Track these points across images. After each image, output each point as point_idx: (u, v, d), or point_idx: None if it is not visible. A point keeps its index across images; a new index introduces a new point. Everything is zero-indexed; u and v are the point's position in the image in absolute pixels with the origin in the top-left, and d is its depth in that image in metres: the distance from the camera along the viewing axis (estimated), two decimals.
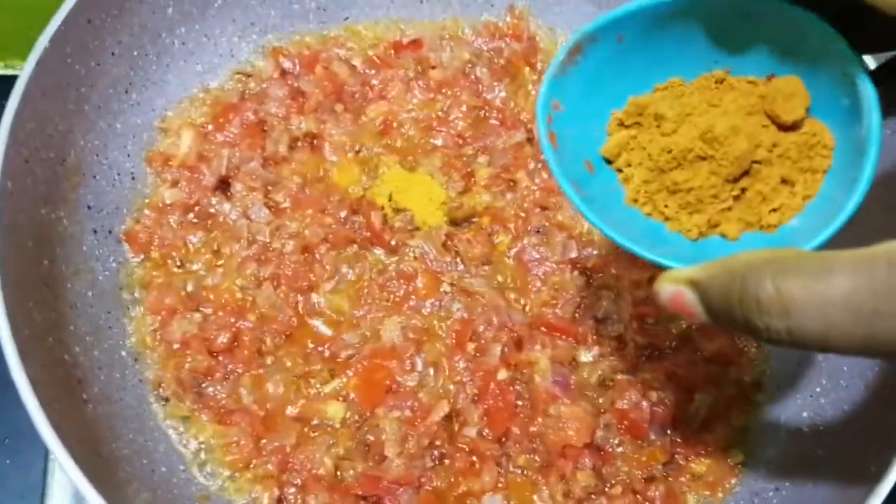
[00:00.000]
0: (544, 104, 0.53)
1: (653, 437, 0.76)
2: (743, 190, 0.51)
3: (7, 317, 0.61)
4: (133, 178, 0.82)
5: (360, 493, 0.72)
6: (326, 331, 0.78)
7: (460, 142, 0.86)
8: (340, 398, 0.76)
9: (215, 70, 0.88)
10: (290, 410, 0.75)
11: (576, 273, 0.82)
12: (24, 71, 0.69)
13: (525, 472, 0.75)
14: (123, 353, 0.76)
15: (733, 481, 0.76)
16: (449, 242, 0.82)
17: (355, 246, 0.81)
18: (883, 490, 0.61)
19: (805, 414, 0.76)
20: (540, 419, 0.75)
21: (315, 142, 0.85)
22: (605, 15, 0.52)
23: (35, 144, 0.71)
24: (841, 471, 0.69)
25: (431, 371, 0.77)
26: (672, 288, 0.44)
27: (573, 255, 0.82)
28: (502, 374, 0.76)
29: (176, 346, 0.77)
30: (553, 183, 0.85)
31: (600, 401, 0.77)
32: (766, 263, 0.39)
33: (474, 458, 0.75)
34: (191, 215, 0.82)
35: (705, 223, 0.51)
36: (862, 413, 0.71)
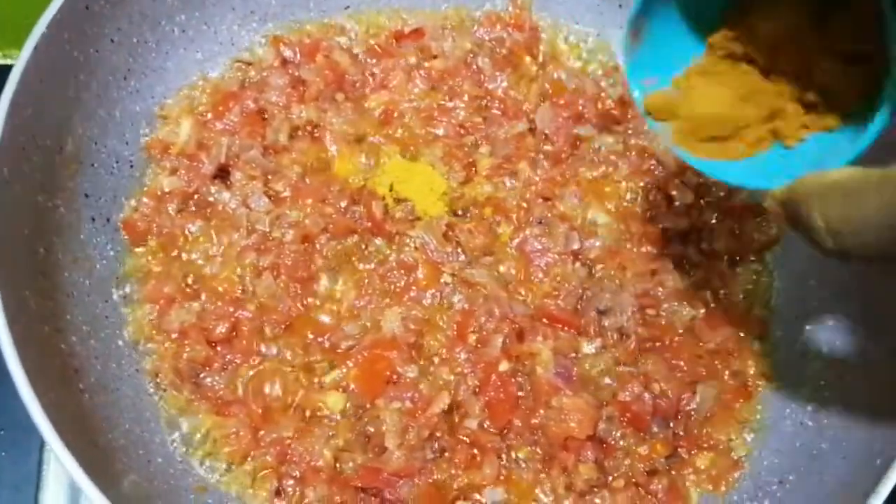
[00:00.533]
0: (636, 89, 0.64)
1: (655, 429, 0.75)
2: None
3: (3, 306, 0.61)
4: (131, 166, 0.81)
5: (359, 485, 0.71)
6: (326, 321, 0.78)
7: (462, 132, 0.86)
8: (340, 389, 0.75)
9: (215, 58, 0.87)
10: (290, 401, 0.74)
11: (578, 264, 0.81)
12: (22, 57, 0.68)
13: (526, 464, 0.74)
14: (120, 343, 0.75)
15: (737, 475, 0.75)
16: (450, 233, 0.81)
17: (356, 236, 0.80)
18: (888, 483, 0.60)
19: (809, 407, 0.76)
20: (542, 411, 0.75)
21: (315, 131, 0.85)
22: None
23: (32, 132, 0.70)
24: (846, 464, 0.69)
25: (433, 362, 0.76)
26: (770, 202, 0.55)
27: (575, 246, 0.81)
28: (504, 366, 0.76)
29: (174, 335, 0.76)
30: (555, 173, 0.85)
31: (602, 393, 0.76)
32: (815, 197, 0.50)
33: (475, 451, 0.74)
34: (190, 204, 0.81)
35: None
36: (866, 406, 0.70)
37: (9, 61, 0.96)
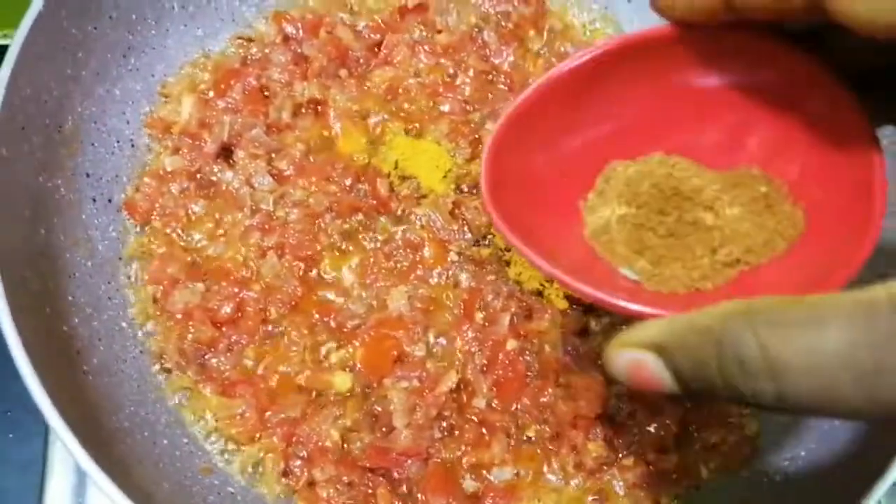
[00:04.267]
0: None
1: (665, 407, 0.74)
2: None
3: (3, 287, 0.60)
4: (133, 146, 0.80)
5: (367, 465, 0.71)
6: (332, 300, 0.77)
7: (468, 108, 0.84)
8: (347, 368, 0.74)
9: (216, 34, 0.86)
10: (296, 381, 0.74)
11: None
12: (19, 34, 0.67)
13: (535, 442, 0.73)
14: (124, 324, 0.75)
15: (748, 451, 0.74)
16: (456, 210, 0.80)
17: (361, 214, 0.79)
18: None
19: None
20: (550, 389, 0.74)
21: (319, 108, 0.83)
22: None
23: (31, 111, 0.69)
24: (860, 439, 0.68)
25: (441, 341, 0.75)
26: (629, 356, 0.36)
27: None
28: (511, 344, 0.75)
29: (178, 316, 0.75)
30: None
31: None
32: (745, 316, 0.33)
33: (483, 430, 0.73)
34: (192, 183, 0.80)
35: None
36: None
37: (6, 41, 0.94)
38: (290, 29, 0.86)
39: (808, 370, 0.31)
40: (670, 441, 0.74)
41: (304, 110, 0.83)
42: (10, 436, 0.81)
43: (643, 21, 0.90)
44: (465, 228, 0.79)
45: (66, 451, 0.77)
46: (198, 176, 0.80)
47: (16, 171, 0.67)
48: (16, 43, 0.67)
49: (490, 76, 0.86)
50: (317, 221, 0.78)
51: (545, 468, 0.73)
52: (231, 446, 0.72)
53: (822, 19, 0.37)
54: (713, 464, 0.74)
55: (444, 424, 0.73)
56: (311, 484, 0.71)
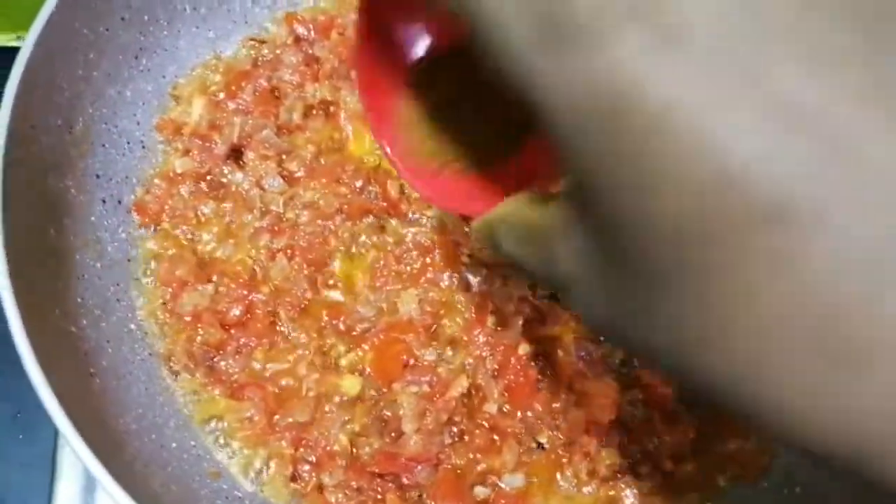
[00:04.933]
0: None
1: (681, 413, 0.73)
2: None
3: (12, 287, 0.60)
4: (143, 147, 0.80)
5: (376, 470, 0.70)
6: (342, 303, 0.76)
7: None
8: (356, 372, 0.73)
9: (228, 36, 0.85)
10: (304, 385, 0.73)
11: None
12: (31, 35, 0.67)
13: (548, 449, 0.72)
14: (133, 326, 0.74)
15: (766, 460, 0.72)
16: None
17: (371, 216, 0.78)
18: None
19: None
20: (563, 395, 0.72)
21: (330, 110, 0.83)
22: None
23: (42, 111, 0.69)
24: None
25: (450, 346, 0.74)
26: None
27: None
28: (524, 349, 0.73)
29: (187, 318, 0.74)
30: None
31: (626, 376, 0.74)
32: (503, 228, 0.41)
33: (495, 436, 0.72)
34: (202, 185, 0.79)
35: None
36: None
37: (16, 43, 0.95)
38: (301, 30, 0.85)
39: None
40: (686, 449, 0.72)
41: (314, 112, 0.82)
42: (21, 437, 0.81)
43: None
44: None
45: (74, 457, 0.78)
46: (208, 177, 0.79)
47: (26, 172, 0.67)
48: (28, 44, 0.67)
49: None
50: (327, 223, 0.78)
51: (558, 475, 0.71)
52: (239, 450, 0.72)
53: None
54: (730, 473, 0.73)
55: (455, 430, 0.71)
56: (320, 489, 0.70)
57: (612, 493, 0.71)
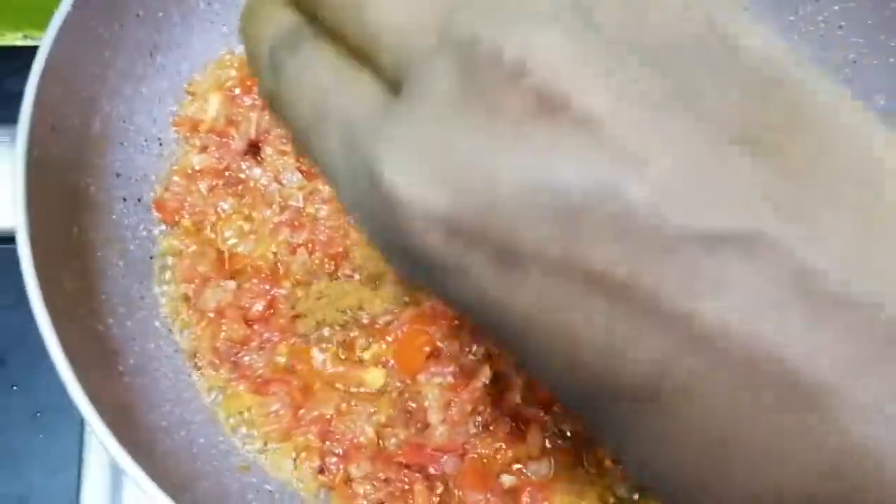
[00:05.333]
0: None
1: None
2: None
3: (39, 286, 0.60)
4: (161, 144, 0.80)
5: (403, 461, 0.71)
6: (364, 296, 0.76)
7: None
8: (380, 365, 0.74)
9: None
10: (329, 378, 0.73)
11: None
12: (48, 35, 0.67)
13: (571, 437, 0.73)
14: (157, 324, 0.75)
15: None
16: None
17: None
18: None
19: None
20: None
21: None
22: None
23: (60, 112, 0.69)
24: None
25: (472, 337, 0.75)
26: None
27: None
28: None
29: (210, 315, 0.75)
30: None
31: None
32: None
33: (519, 425, 0.73)
34: (221, 181, 0.79)
35: None
36: None
37: (30, 42, 0.95)
38: None
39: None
40: None
41: None
42: (41, 436, 0.81)
43: None
44: None
45: (101, 452, 0.78)
46: (226, 173, 0.80)
47: (48, 172, 0.67)
48: (45, 44, 0.66)
49: None
50: (347, 217, 0.78)
51: (582, 462, 0.72)
52: (267, 444, 0.72)
53: None
54: None
55: (480, 419, 0.72)
56: (348, 480, 0.71)
57: (633, 478, 0.72)
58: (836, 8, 0.81)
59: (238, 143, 0.79)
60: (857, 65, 0.81)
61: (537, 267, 0.20)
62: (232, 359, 0.74)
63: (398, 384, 0.74)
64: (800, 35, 0.85)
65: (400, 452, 0.71)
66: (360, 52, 0.24)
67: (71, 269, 0.68)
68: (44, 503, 0.79)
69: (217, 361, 0.74)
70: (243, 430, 0.73)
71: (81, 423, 0.79)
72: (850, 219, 0.19)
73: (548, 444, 0.73)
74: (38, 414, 0.82)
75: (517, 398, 0.73)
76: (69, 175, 0.70)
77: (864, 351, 0.19)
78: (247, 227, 0.78)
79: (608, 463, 0.72)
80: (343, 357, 0.74)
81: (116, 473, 0.78)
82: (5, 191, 0.62)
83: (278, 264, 0.77)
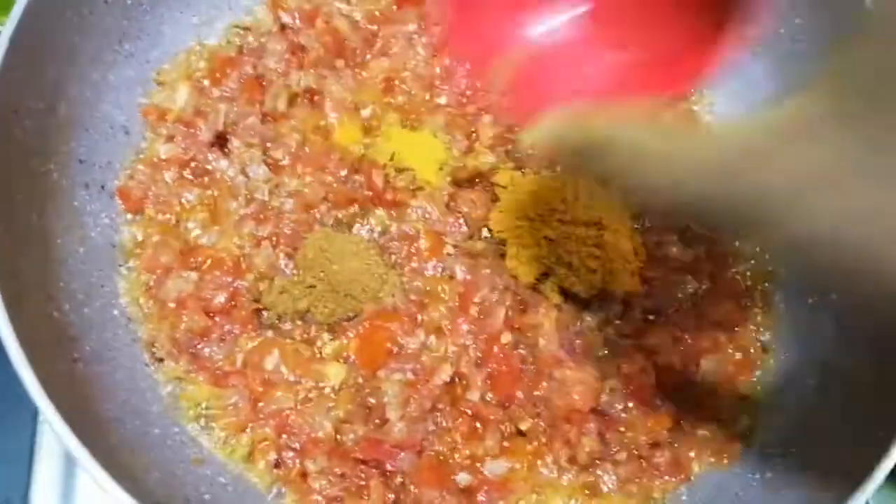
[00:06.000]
0: None
1: (658, 402, 0.75)
2: None
3: None
4: (126, 133, 0.79)
5: (360, 456, 0.70)
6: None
7: (464, 100, 0.84)
8: (341, 360, 0.74)
9: (212, 22, 0.85)
10: (289, 372, 0.73)
11: None
12: (13, 16, 0.66)
13: (529, 437, 0.73)
14: (116, 312, 0.74)
15: (739, 447, 0.75)
16: (452, 203, 0.80)
17: (356, 206, 0.79)
18: (894, 453, 0.60)
19: (811, 381, 0.75)
20: (545, 383, 0.74)
21: (315, 98, 0.83)
22: None
23: (24, 94, 0.68)
24: (849, 436, 0.68)
25: (434, 335, 0.75)
26: None
27: None
28: (506, 338, 0.75)
29: (171, 305, 0.74)
30: None
31: (606, 365, 0.75)
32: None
33: (477, 423, 0.73)
34: (187, 172, 0.79)
35: None
36: (871, 380, 0.70)
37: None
38: (286, 18, 0.85)
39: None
40: (663, 436, 0.74)
41: (300, 100, 0.83)
42: None
43: None
44: (461, 221, 0.79)
45: (54, 441, 0.77)
46: (192, 164, 0.79)
47: (9, 155, 0.66)
48: (10, 24, 0.66)
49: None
50: (312, 212, 0.78)
51: (539, 462, 0.73)
52: (223, 436, 0.72)
53: None
54: (705, 459, 0.75)
55: (438, 417, 0.72)
56: (304, 475, 0.70)
57: (590, 479, 0.73)
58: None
59: (205, 135, 0.79)
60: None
61: None
62: (191, 350, 0.74)
63: (358, 380, 0.74)
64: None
65: (357, 448, 0.71)
66: None
67: (29, 255, 0.67)
68: None
69: (176, 352, 0.73)
70: (200, 422, 0.72)
71: (35, 412, 0.77)
72: None
73: (505, 444, 0.73)
74: None
75: (476, 397, 0.73)
76: (31, 159, 0.69)
77: None
78: (211, 218, 0.78)
79: (565, 464, 0.72)
80: (304, 352, 0.74)
81: (69, 463, 0.77)
82: None
83: (241, 257, 0.76)
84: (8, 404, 0.79)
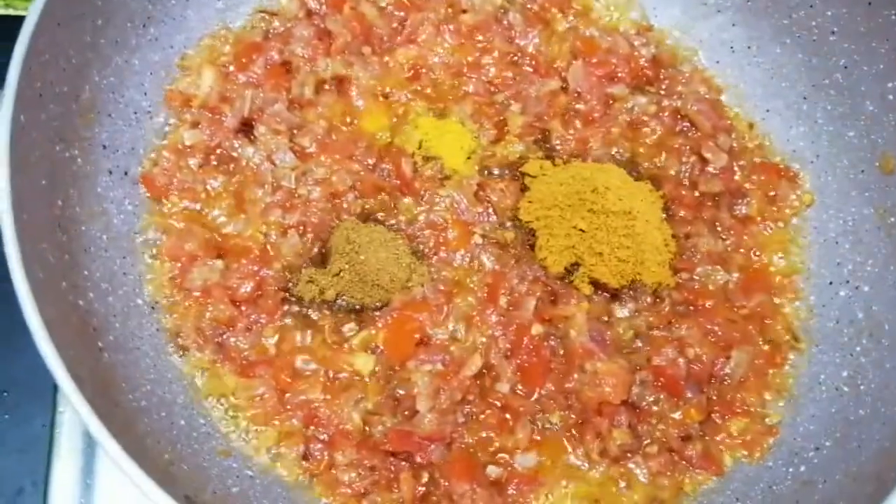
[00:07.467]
0: None
1: (689, 395, 0.74)
2: None
3: (21, 257, 0.57)
4: (150, 118, 0.78)
5: (390, 449, 0.69)
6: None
7: (492, 89, 0.83)
8: (369, 351, 0.73)
9: (237, 7, 0.84)
10: (316, 363, 0.72)
11: None
12: (38, 0, 0.65)
13: (559, 429, 0.72)
14: (140, 301, 0.72)
15: (771, 441, 0.74)
16: (481, 192, 0.78)
17: (384, 194, 0.77)
18: None
19: (845, 373, 0.74)
20: (575, 375, 0.73)
21: (343, 85, 0.81)
22: None
23: (48, 78, 0.67)
24: (884, 430, 0.67)
25: (462, 325, 0.74)
26: None
27: None
28: (536, 329, 0.74)
29: (196, 294, 0.73)
30: (588, 133, 0.82)
31: (636, 357, 0.74)
32: None
33: (507, 415, 0.72)
34: (211, 158, 0.78)
35: None
36: None
37: (3, 10, 0.91)
38: (313, 3, 0.84)
39: None
40: (694, 429, 0.73)
41: (326, 87, 0.81)
42: (7, 417, 0.78)
43: (666, 6, 0.90)
44: (490, 210, 0.78)
45: (73, 433, 0.76)
46: (217, 151, 0.78)
47: (33, 139, 0.64)
48: (34, 8, 0.64)
49: (515, 58, 0.85)
50: (338, 200, 0.77)
51: (570, 454, 0.72)
52: (250, 428, 0.70)
53: None
54: (736, 453, 0.74)
55: (468, 409, 0.71)
56: (332, 467, 0.69)
57: (621, 471, 0.72)
58: (829, 13, 0.82)
59: (231, 121, 0.78)
60: (847, 70, 0.81)
61: None
62: (217, 340, 0.72)
63: (387, 371, 0.72)
64: (792, 39, 0.85)
65: (386, 440, 0.69)
66: None
67: (54, 241, 0.65)
68: (11, 482, 0.76)
69: (201, 342, 0.72)
70: (226, 413, 0.71)
71: (53, 403, 0.76)
72: None
73: (536, 436, 0.72)
74: (5, 394, 0.78)
75: (506, 388, 0.72)
76: (55, 145, 0.68)
77: None
78: (237, 206, 0.76)
79: (596, 456, 0.71)
80: (332, 342, 0.73)
81: (89, 454, 0.75)
82: None
83: (268, 245, 0.75)
84: (19, 394, 0.78)
